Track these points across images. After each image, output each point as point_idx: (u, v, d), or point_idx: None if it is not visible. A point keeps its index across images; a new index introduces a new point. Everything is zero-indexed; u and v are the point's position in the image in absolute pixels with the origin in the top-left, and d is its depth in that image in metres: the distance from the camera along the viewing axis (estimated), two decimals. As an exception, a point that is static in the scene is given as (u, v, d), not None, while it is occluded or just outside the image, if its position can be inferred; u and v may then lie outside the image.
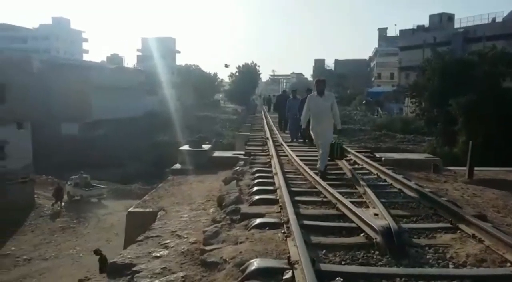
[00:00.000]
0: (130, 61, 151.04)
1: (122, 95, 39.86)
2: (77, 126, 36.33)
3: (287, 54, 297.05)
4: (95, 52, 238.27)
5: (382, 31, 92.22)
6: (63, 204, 23.42)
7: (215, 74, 74.00)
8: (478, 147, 16.19)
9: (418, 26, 70.00)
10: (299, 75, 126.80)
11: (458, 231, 4.97)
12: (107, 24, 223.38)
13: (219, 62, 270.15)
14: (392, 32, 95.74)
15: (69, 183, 25.08)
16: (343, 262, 4.24)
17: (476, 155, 12.58)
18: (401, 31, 77.28)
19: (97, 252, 13.27)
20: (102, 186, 27.05)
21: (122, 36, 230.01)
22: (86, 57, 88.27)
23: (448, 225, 5.19)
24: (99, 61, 71.99)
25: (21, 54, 43.06)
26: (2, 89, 22.28)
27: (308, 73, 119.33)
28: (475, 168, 9.91)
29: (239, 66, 71.19)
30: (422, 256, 4.36)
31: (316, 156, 9.24)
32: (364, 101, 52.91)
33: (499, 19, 54.12)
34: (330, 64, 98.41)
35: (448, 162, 14.56)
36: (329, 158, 8.70)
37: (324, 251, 4.48)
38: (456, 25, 60.05)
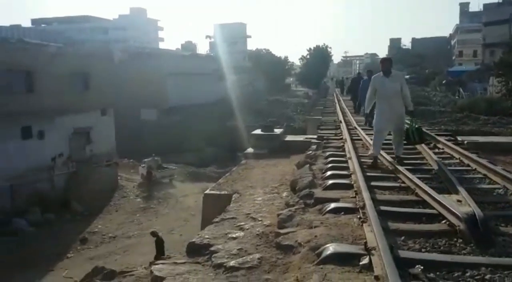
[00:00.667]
0: (203, 48, 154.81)
1: (195, 81, 40.99)
2: (155, 112, 37.98)
3: (360, 34, 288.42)
4: (170, 40, 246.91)
5: (464, 6, 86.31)
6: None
7: (286, 57, 73.61)
8: None
9: (504, 0, 64.58)
10: (373, 55, 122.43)
11: (552, 220, 4.59)
12: (181, 12, 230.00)
13: (290, 45, 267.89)
14: (475, 6, 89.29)
15: (142, 165, 26.44)
16: (423, 250, 4.08)
17: None
18: (485, 5, 71.75)
19: (154, 233, 12.95)
20: (173, 167, 28.28)
21: (195, 23, 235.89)
22: (161, 45, 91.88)
23: (540, 213, 4.81)
24: (174, 49, 74.35)
25: (103, 45, 45.65)
26: (86, 78, 23.80)
27: (383, 54, 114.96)
28: None
29: (310, 49, 70.26)
30: (511, 245, 4.08)
31: (390, 139, 8.91)
32: (444, 82, 50.05)
33: None
34: (406, 43, 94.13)
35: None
36: (406, 142, 8.09)
37: (402, 237, 4.34)
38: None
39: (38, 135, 20.42)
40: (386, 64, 7.94)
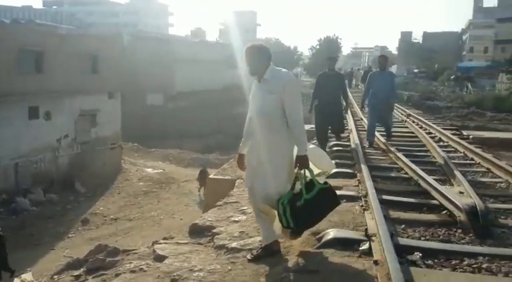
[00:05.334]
0: (212, 35, 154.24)
1: (204, 68, 40.89)
2: (162, 97, 38.01)
3: (371, 26, 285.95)
4: (180, 26, 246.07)
5: (478, 1, 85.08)
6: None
7: (295, 47, 73.27)
8: None
9: (521, -4, 63.69)
10: (383, 48, 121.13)
11: (552, 214, 4.62)
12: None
13: (299, 35, 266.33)
14: (490, 2, 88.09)
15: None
16: (422, 238, 4.14)
17: None
18: (500, 1, 70.82)
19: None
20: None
21: (206, 10, 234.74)
22: (171, 31, 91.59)
23: (542, 207, 4.84)
24: (184, 35, 74.16)
25: (113, 28, 45.55)
26: (95, 61, 23.80)
27: (393, 47, 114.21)
28: None
29: (320, 39, 69.86)
30: (509, 236, 4.14)
31: (396, 131, 9.07)
32: (453, 77, 49.68)
33: None
34: (418, 37, 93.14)
35: (546, 144, 13.36)
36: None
37: (403, 226, 4.41)
38: None
39: (44, 116, 20.52)
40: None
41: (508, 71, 27.12)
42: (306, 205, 3.52)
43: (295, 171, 3.62)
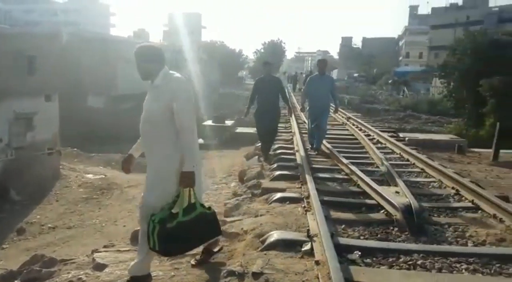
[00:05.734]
0: (156, 36, 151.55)
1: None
2: (103, 99, 36.87)
3: (314, 31, 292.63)
4: (122, 27, 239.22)
5: (413, 9, 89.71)
6: None
7: (240, 51, 73.61)
8: (507, 131, 15.83)
9: (452, 4, 67.85)
10: (325, 53, 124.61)
11: (479, 211, 4.95)
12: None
13: (244, 39, 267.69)
14: (424, 10, 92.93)
15: None
16: (361, 237, 4.29)
17: (504, 138, 12.30)
18: (433, 9, 75.08)
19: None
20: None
21: (149, 11, 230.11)
22: (113, 31, 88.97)
23: (470, 205, 5.17)
24: (126, 36, 72.36)
25: (51, 27, 43.58)
26: (32, 61, 22.62)
27: (334, 51, 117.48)
28: (501, 151, 9.71)
29: (264, 43, 70.66)
30: (441, 234, 4.37)
31: (337, 134, 9.33)
32: (390, 81, 51.95)
33: (536, -2, 51.80)
34: (357, 42, 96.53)
35: (474, 144, 14.26)
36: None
37: (343, 226, 4.54)
38: (491, 4, 57.97)
39: (-25, 119, 19.28)
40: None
41: (440, 76, 28.60)
42: (178, 228, 3.14)
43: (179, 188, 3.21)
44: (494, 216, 4.69)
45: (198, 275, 3.62)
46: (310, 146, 8.91)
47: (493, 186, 6.84)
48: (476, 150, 10.87)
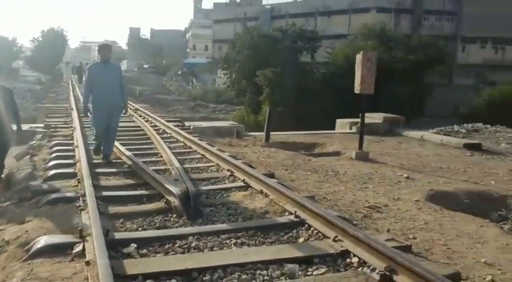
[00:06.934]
0: None
1: None
2: None
3: (100, 20, 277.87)
4: None
5: (197, 3, 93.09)
6: None
7: (14, 38, 65.02)
8: (279, 115, 17.89)
9: (231, 1, 72.58)
10: (113, 43, 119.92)
11: (249, 189, 5.43)
12: None
13: (20, 26, 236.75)
14: (207, 4, 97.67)
15: None
16: (140, 229, 4.25)
17: (276, 121, 13.90)
18: (215, 4, 79.19)
19: None
20: None
21: None
22: None
23: (242, 184, 5.63)
24: None
25: None
26: None
27: (123, 42, 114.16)
28: (272, 133, 10.93)
29: (43, 31, 63.94)
30: (216, 214, 4.65)
31: (124, 126, 9.04)
32: (179, 72, 53.26)
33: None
34: (146, 33, 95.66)
35: (254, 129, 15.76)
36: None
37: (121, 220, 4.43)
38: (264, 2, 64.14)
39: None
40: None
41: (223, 68, 30.62)
42: None
43: None
44: (261, 192, 5.20)
45: None
46: (102, 157, 7.11)
47: (263, 165, 7.60)
48: (252, 133, 11.95)
